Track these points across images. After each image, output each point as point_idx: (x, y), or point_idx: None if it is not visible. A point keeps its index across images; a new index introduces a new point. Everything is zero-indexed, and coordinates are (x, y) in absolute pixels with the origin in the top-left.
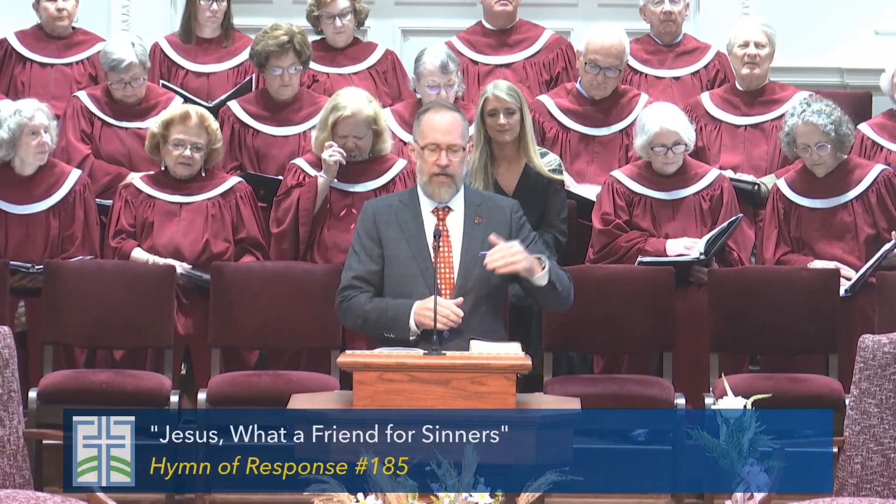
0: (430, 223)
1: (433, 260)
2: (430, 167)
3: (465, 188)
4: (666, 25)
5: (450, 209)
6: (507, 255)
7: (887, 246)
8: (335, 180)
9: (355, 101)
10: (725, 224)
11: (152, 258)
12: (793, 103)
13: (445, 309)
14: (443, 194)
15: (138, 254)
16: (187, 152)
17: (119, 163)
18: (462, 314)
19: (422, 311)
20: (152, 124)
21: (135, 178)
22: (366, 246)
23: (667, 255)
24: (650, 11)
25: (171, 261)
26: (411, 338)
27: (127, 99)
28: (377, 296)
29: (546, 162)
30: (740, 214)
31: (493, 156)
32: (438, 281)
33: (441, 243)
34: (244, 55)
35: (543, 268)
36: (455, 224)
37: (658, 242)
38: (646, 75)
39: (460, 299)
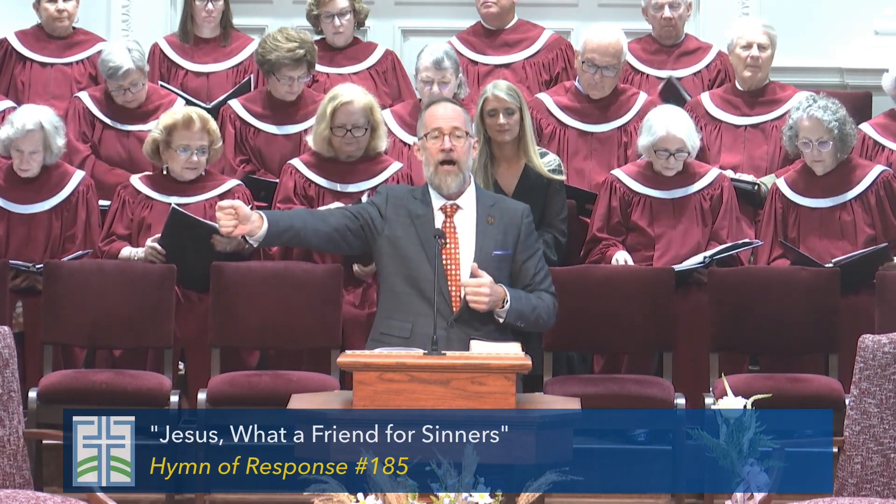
0: (439, 218)
1: (440, 254)
2: (435, 154)
3: (478, 188)
4: (666, 31)
5: (458, 207)
6: (474, 291)
7: (874, 248)
8: (327, 181)
9: (352, 90)
10: (741, 242)
11: (136, 251)
12: (796, 100)
13: (471, 288)
14: (449, 183)
15: (126, 252)
16: (194, 157)
17: (120, 165)
18: (482, 280)
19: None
20: (153, 128)
21: (133, 179)
22: (365, 208)
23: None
24: (650, 15)
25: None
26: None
27: (128, 104)
28: (329, 239)
29: (546, 162)
30: (760, 241)
31: (492, 156)
32: (446, 278)
33: (448, 240)
34: (243, 55)
35: (504, 307)
36: (465, 222)
37: (613, 251)
38: (646, 75)
39: (474, 265)
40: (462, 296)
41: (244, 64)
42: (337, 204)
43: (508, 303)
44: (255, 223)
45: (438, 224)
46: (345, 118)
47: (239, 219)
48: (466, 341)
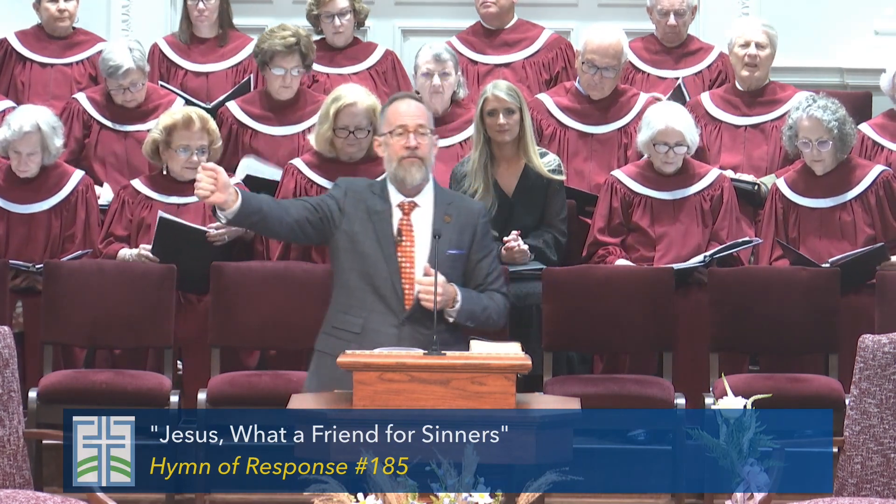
0: (396, 215)
1: (395, 251)
2: (399, 151)
3: (436, 186)
4: (670, 36)
5: (416, 204)
6: (426, 290)
7: (871, 247)
8: (328, 181)
9: (355, 92)
10: (740, 241)
11: (129, 252)
12: (796, 100)
13: (423, 287)
14: (414, 174)
15: (123, 253)
16: (194, 157)
17: (118, 166)
18: (438, 279)
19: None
20: (152, 128)
21: (133, 180)
22: (325, 201)
23: None
24: (655, 19)
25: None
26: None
27: (127, 104)
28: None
29: (546, 162)
30: (760, 240)
31: (492, 156)
32: (401, 275)
33: (404, 238)
34: (242, 54)
35: (455, 306)
36: (422, 220)
37: (612, 259)
38: (648, 74)
39: (427, 265)
40: (415, 294)
41: (243, 63)
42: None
43: (459, 302)
44: (231, 196)
45: (396, 221)
46: (348, 120)
47: (217, 186)
48: (417, 339)
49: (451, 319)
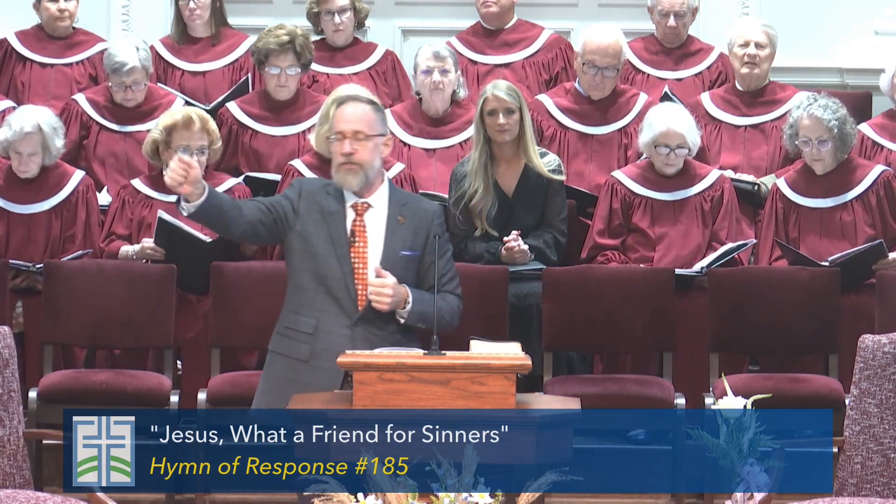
0: (350, 216)
1: (349, 252)
2: (337, 157)
3: (391, 186)
4: (670, 38)
5: (369, 205)
6: (376, 291)
7: (869, 244)
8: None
9: (355, 92)
10: (735, 245)
11: (132, 248)
12: (797, 100)
13: (374, 288)
14: (350, 181)
15: (126, 250)
16: (194, 157)
17: (117, 166)
18: (385, 280)
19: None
20: (152, 128)
21: (133, 180)
22: (279, 202)
23: None
24: (655, 20)
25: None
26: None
27: (126, 103)
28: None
29: (546, 162)
30: (753, 241)
31: (492, 156)
32: (354, 276)
33: (357, 239)
34: (238, 52)
35: (406, 308)
36: (375, 221)
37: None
38: (648, 75)
39: (378, 266)
40: (368, 295)
41: (239, 61)
42: None
43: (410, 304)
44: (199, 190)
45: (349, 222)
46: None
47: (188, 179)
48: (370, 340)
49: (402, 321)
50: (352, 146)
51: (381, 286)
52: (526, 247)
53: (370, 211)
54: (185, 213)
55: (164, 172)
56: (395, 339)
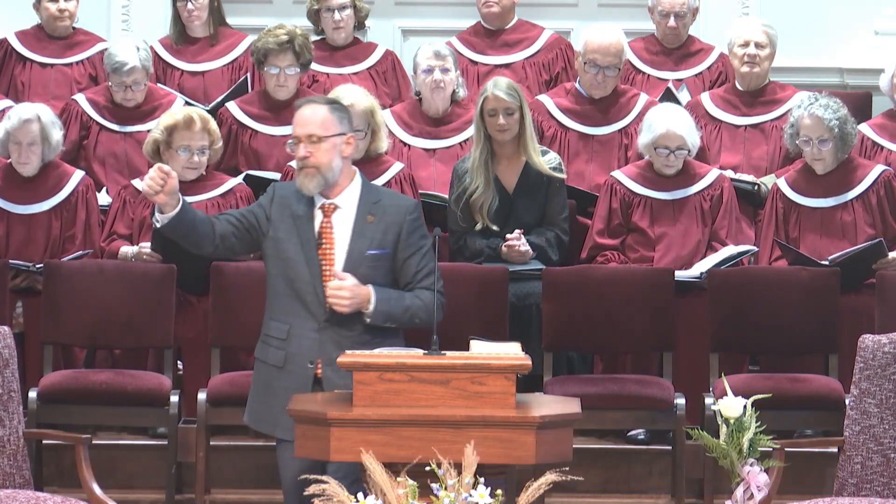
0: (318, 218)
1: (317, 254)
2: (295, 161)
3: (364, 184)
4: (670, 38)
5: (336, 206)
6: (333, 294)
7: (869, 243)
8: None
9: (353, 93)
10: (736, 252)
11: (130, 250)
12: (798, 99)
13: (331, 291)
14: (307, 185)
15: (125, 250)
16: (195, 158)
17: (117, 167)
18: (345, 282)
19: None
20: (153, 128)
21: (134, 180)
22: (252, 210)
23: None
24: (655, 20)
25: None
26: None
27: (126, 103)
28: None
29: (546, 160)
30: (755, 248)
31: (493, 152)
32: (322, 279)
33: (324, 241)
34: (237, 51)
35: (369, 308)
36: (343, 221)
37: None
38: (648, 76)
39: (339, 272)
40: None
41: (238, 60)
42: None
43: (373, 304)
44: (173, 201)
45: (317, 224)
46: None
47: (165, 189)
48: (338, 342)
49: (368, 321)
50: (306, 150)
51: (337, 289)
52: (527, 247)
53: (338, 212)
54: (157, 225)
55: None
56: (365, 339)
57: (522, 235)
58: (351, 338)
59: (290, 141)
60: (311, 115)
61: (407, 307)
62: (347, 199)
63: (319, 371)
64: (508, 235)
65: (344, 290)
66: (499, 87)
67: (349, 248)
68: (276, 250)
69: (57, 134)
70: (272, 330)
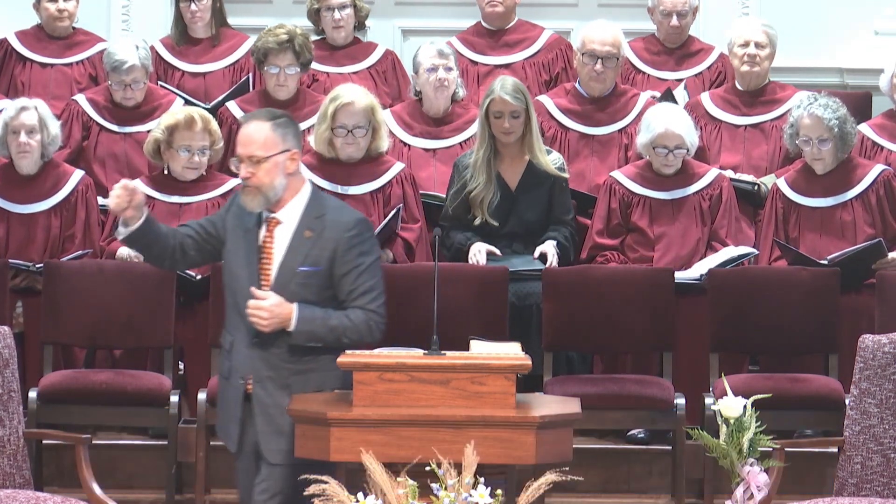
0: (263, 232)
1: (258, 269)
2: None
3: (312, 196)
4: (672, 37)
5: (279, 220)
6: (252, 313)
7: (868, 243)
8: (328, 182)
9: (354, 91)
10: (736, 255)
11: (129, 251)
12: (797, 99)
13: (250, 310)
14: (249, 203)
15: (122, 251)
16: (196, 158)
17: (117, 167)
18: (264, 301)
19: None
20: (154, 128)
21: (134, 180)
22: (212, 220)
23: None
24: (657, 20)
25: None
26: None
27: (126, 102)
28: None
29: (550, 160)
30: (756, 251)
31: (496, 151)
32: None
33: (264, 255)
34: (238, 53)
35: (290, 327)
36: (282, 236)
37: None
38: (648, 76)
39: (252, 288)
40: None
41: (240, 62)
42: None
43: (294, 323)
44: (138, 215)
45: (261, 238)
46: (346, 119)
47: (131, 204)
48: (267, 360)
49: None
50: (247, 170)
51: (255, 307)
52: (555, 261)
53: (280, 226)
54: (119, 238)
55: (165, 171)
56: (294, 358)
57: (550, 245)
58: (279, 355)
59: (233, 159)
60: (253, 134)
61: (333, 327)
62: (290, 214)
63: (250, 387)
64: (541, 248)
65: (262, 309)
66: (505, 89)
67: (281, 264)
68: (226, 261)
69: (55, 127)
70: (223, 340)
